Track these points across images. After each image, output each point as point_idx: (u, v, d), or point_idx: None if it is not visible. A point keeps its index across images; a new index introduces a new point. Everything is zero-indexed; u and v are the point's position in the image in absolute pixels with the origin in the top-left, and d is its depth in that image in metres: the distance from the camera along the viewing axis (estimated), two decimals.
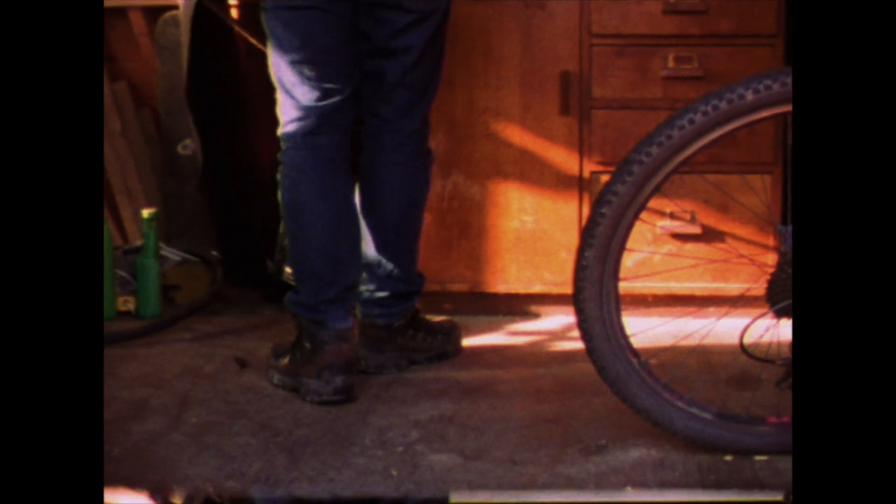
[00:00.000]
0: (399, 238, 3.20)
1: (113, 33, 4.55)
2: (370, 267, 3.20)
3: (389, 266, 3.19)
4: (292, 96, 3.03)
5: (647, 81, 3.60)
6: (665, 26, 3.59)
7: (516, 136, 3.64)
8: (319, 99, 3.00)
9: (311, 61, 2.98)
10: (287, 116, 3.06)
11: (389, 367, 3.24)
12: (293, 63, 3.00)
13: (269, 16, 3.01)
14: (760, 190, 3.51)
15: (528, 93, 3.63)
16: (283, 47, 3.00)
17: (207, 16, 4.08)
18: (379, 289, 3.22)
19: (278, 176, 3.07)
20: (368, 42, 3.04)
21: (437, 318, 3.47)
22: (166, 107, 4.39)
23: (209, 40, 4.10)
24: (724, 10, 3.59)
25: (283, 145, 3.08)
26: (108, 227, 3.84)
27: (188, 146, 4.22)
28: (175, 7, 4.27)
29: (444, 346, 3.36)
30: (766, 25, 3.58)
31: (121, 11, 4.49)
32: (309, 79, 2.99)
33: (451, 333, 3.41)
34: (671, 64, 3.59)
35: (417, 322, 3.31)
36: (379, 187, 3.15)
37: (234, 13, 4.26)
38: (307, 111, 3.02)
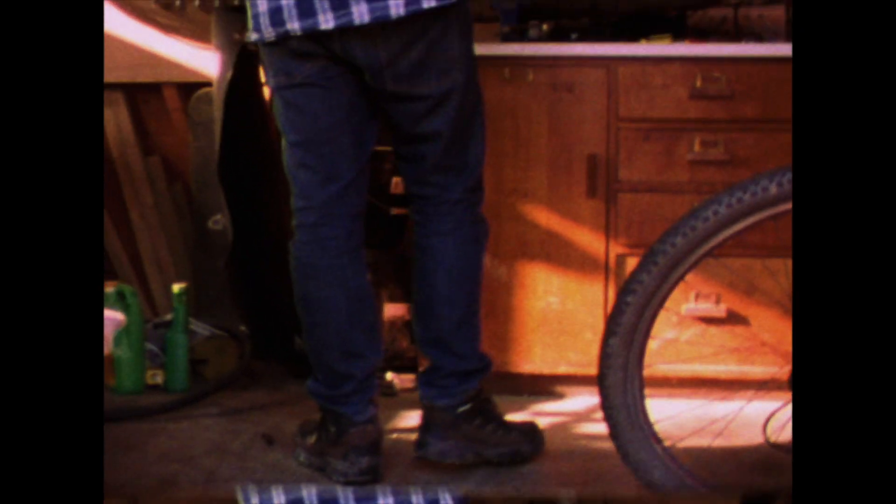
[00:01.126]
0: (452, 310, 3.06)
1: (147, 108, 4.64)
2: (425, 344, 3.11)
3: (444, 342, 3.07)
4: (296, 184, 3.01)
5: (674, 165, 3.64)
6: (691, 111, 3.63)
7: (543, 217, 3.68)
8: (320, 186, 2.97)
9: (311, 142, 2.95)
10: (294, 207, 3.04)
11: (452, 456, 3.05)
12: (294, 146, 2.98)
13: (275, 98, 3.01)
14: (781, 275, 3.53)
15: (555, 175, 3.67)
16: (285, 129, 2.99)
17: (240, 93, 4.15)
18: (435, 367, 3.10)
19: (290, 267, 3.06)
20: (397, 129, 3.02)
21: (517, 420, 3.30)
22: (199, 181, 4.46)
23: (242, 117, 4.18)
24: (750, 95, 3.63)
25: (294, 237, 3.07)
26: (139, 299, 3.89)
27: (219, 221, 4.29)
28: (209, 84, 4.35)
29: (520, 446, 3.13)
30: (790, 112, 3.60)
31: (155, 87, 4.58)
32: (309, 164, 2.97)
33: (531, 434, 3.19)
34: (697, 148, 3.63)
35: (487, 412, 3.12)
36: (427, 258, 3.06)
37: (266, 91, 4.33)
38: (309, 201, 2.99)
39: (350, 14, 2.78)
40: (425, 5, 2.76)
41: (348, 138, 2.97)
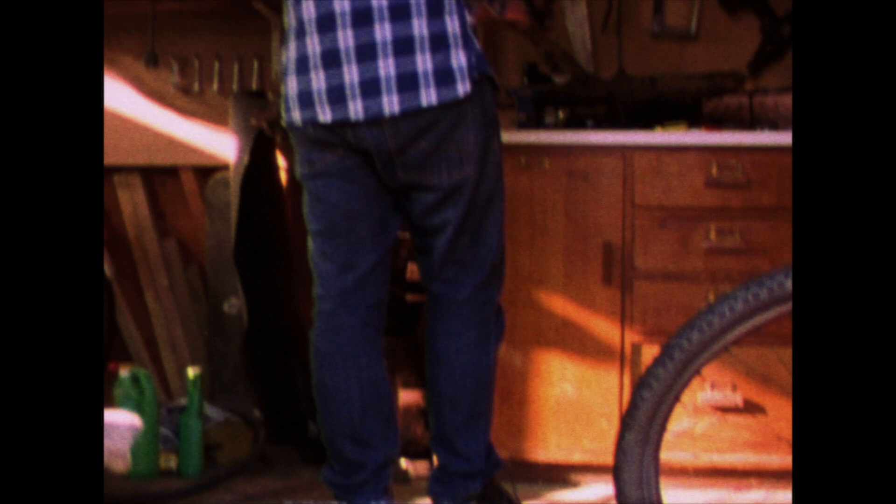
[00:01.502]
0: (455, 412, 3.02)
1: (163, 191, 4.66)
2: (433, 440, 3.09)
3: (449, 441, 3.03)
4: (316, 272, 3.00)
5: (689, 253, 3.64)
6: (707, 199, 3.64)
7: (559, 304, 3.67)
8: (337, 275, 2.96)
9: (329, 231, 2.94)
10: (315, 295, 3.04)
11: None
12: (315, 235, 2.98)
13: (304, 189, 3.01)
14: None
15: (570, 262, 3.67)
16: (308, 218, 2.99)
17: (257, 178, 4.18)
18: (441, 464, 3.07)
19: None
20: (409, 220, 3.00)
21: None
22: (214, 265, 4.47)
23: (258, 202, 4.20)
24: (766, 183, 3.63)
25: (314, 324, 3.06)
26: (153, 383, 3.88)
27: (234, 305, 4.29)
28: (226, 168, 4.38)
29: None
30: None
31: (172, 170, 4.61)
32: (328, 253, 2.96)
33: None
34: (713, 236, 3.63)
35: None
36: (433, 357, 3.05)
37: (283, 176, 4.36)
38: (327, 289, 2.98)
39: (346, 109, 2.78)
40: (424, 103, 2.74)
41: (367, 229, 2.95)
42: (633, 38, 4.38)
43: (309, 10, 2.83)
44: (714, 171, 3.63)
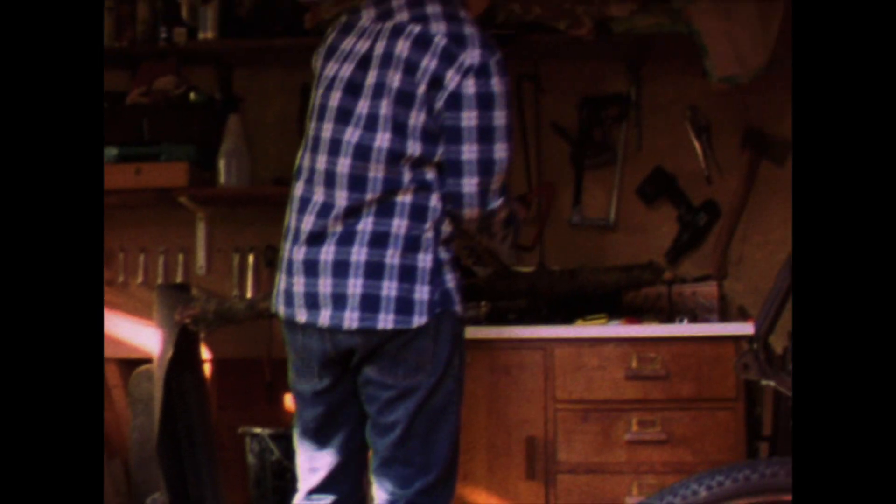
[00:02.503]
0: None
1: None
2: None
3: None
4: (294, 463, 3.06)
5: (612, 445, 3.66)
6: (628, 391, 3.68)
7: (482, 499, 3.67)
8: (307, 473, 2.98)
9: (303, 431, 2.99)
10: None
11: None
12: (295, 429, 3.03)
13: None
14: None
15: (494, 457, 3.68)
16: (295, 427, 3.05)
17: (181, 371, 4.17)
18: None
19: None
20: (369, 416, 2.99)
21: None
22: (137, 459, 4.41)
23: (182, 395, 4.18)
24: (685, 375, 3.69)
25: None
26: None
27: (157, 500, 4.23)
28: (150, 361, 4.36)
29: None
30: (726, 389, 3.67)
31: None
32: (301, 449, 3.00)
33: None
34: (635, 428, 3.66)
35: None
36: None
37: (207, 368, 4.35)
38: (300, 480, 3.01)
39: (317, 315, 2.87)
40: (379, 326, 2.82)
41: (337, 436, 2.99)
42: (555, 228, 4.48)
43: (293, 221, 2.96)
44: (634, 363, 3.68)
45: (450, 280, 2.89)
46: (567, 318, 3.84)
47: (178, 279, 4.54)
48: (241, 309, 3.98)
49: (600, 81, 4.51)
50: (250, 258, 4.54)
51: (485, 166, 2.83)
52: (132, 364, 4.50)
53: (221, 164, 4.41)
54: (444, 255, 2.88)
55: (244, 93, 4.59)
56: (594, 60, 4.49)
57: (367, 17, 2.97)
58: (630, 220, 4.47)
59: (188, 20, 4.41)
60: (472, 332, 3.72)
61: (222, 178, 4.41)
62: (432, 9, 2.88)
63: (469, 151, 2.82)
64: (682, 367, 3.69)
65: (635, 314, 3.97)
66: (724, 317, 4.18)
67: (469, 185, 2.84)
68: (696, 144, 4.44)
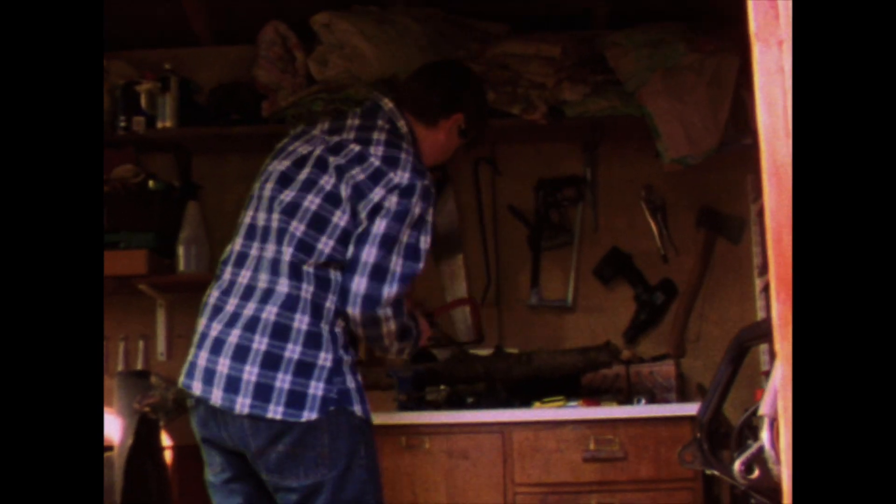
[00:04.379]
0: None
1: None
2: None
3: None
4: None
5: None
6: (586, 474, 3.69)
7: None
8: None
9: None
10: None
11: None
12: None
13: None
14: None
15: None
16: None
17: (141, 459, 4.15)
18: None
19: None
20: None
21: None
22: None
23: (141, 483, 4.16)
24: (643, 456, 3.70)
25: None
26: None
27: None
28: (109, 448, 4.33)
29: None
30: (685, 470, 3.65)
31: None
32: None
33: None
34: None
35: None
36: None
37: (167, 455, 4.33)
38: None
39: (210, 391, 2.88)
40: (269, 415, 2.83)
41: None
42: (513, 310, 4.51)
43: (212, 299, 3.01)
44: (592, 445, 3.70)
45: (350, 381, 2.91)
46: (525, 401, 3.85)
47: (139, 366, 4.53)
48: None
49: (556, 163, 4.57)
50: None
51: (378, 272, 2.87)
52: None
53: (181, 250, 4.43)
54: (345, 356, 2.90)
55: (203, 180, 4.63)
56: (549, 143, 4.54)
57: (319, 129, 3.10)
58: (588, 300, 4.51)
59: (147, 109, 4.44)
60: (430, 417, 3.77)
61: (182, 265, 4.43)
62: (378, 136, 3.01)
63: (368, 254, 2.88)
64: (640, 448, 3.70)
65: (593, 395, 3.99)
66: (683, 395, 4.21)
67: (358, 283, 2.87)
68: (652, 224, 4.50)
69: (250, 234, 3.02)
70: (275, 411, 2.82)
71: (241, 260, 3.00)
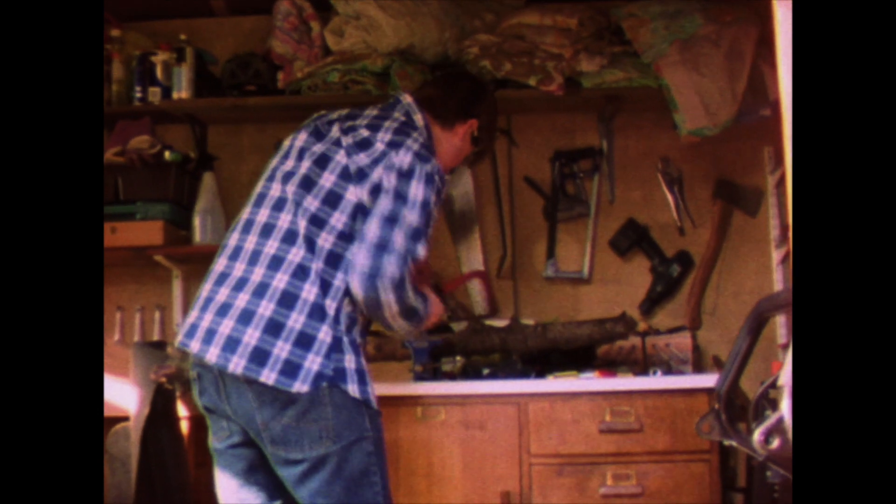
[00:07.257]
0: None
1: None
2: None
3: None
4: None
5: (587, 499, 3.66)
6: (602, 445, 3.69)
7: None
8: None
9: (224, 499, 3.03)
10: None
11: None
12: None
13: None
14: None
15: None
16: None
17: (158, 429, 4.16)
18: None
19: None
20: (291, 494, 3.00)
21: None
22: None
23: (159, 453, 4.17)
24: (659, 427, 3.70)
25: None
26: None
27: None
28: (126, 419, 4.35)
29: None
30: (700, 441, 3.67)
31: None
32: None
33: None
34: (609, 482, 3.67)
35: None
36: None
37: (183, 426, 4.34)
38: None
39: (208, 350, 2.89)
40: (261, 378, 2.84)
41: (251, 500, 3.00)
42: (529, 282, 4.50)
43: (218, 266, 3.04)
44: (607, 416, 3.70)
45: (350, 361, 2.91)
46: (541, 373, 3.86)
47: (155, 337, 4.54)
48: None
49: (572, 135, 4.55)
50: None
51: (377, 248, 2.86)
52: (109, 422, 4.48)
53: (196, 221, 4.44)
54: (346, 336, 2.91)
55: (218, 151, 4.62)
56: (566, 114, 4.53)
57: (338, 114, 3.17)
58: (604, 272, 4.50)
59: (163, 80, 4.44)
60: (446, 388, 3.77)
61: (197, 236, 4.43)
62: (389, 125, 3.08)
63: (368, 230, 2.89)
64: (656, 420, 3.70)
65: (609, 367, 3.99)
66: (699, 367, 4.20)
67: (357, 257, 2.87)
68: (669, 196, 4.48)
69: (259, 202, 3.06)
70: (268, 376, 2.83)
71: (248, 227, 3.04)
